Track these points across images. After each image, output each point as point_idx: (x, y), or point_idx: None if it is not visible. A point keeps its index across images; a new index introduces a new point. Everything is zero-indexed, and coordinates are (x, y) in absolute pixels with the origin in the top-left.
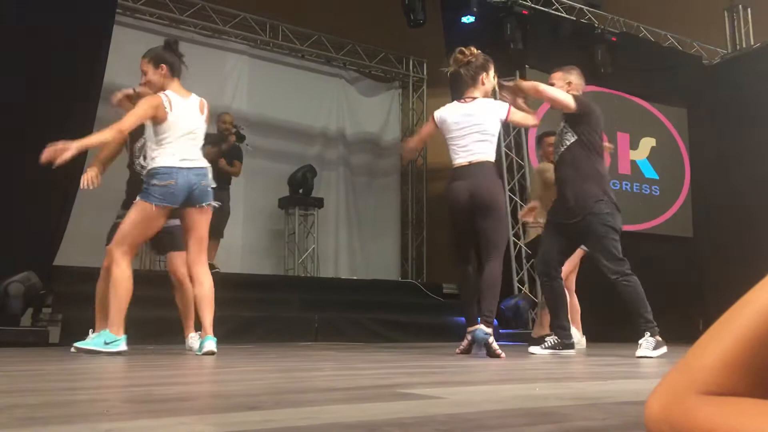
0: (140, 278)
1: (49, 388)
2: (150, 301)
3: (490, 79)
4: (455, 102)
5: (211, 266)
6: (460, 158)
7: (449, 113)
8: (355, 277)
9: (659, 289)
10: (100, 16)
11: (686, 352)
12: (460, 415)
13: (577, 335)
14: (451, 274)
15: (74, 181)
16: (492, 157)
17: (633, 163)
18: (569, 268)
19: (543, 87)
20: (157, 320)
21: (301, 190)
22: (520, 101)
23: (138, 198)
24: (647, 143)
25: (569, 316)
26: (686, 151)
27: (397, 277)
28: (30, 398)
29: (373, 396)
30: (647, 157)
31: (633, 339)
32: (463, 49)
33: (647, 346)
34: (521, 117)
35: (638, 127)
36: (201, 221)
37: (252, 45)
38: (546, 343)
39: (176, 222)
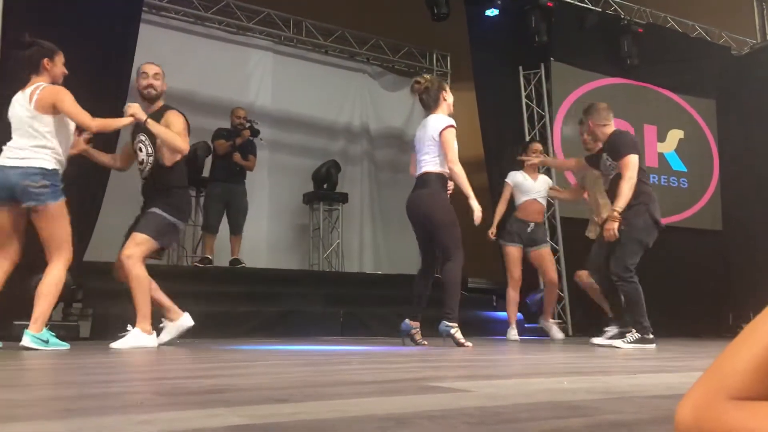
0: (167, 273)
1: (84, 380)
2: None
3: (449, 93)
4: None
5: (237, 261)
6: (418, 169)
7: (417, 132)
8: (379, 272)
9: (688, 283)
10: (126, 15)
11: (716, 356)
12: (490, 408)
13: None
14: (475, 268)
15: (103, 178)
16: (434, 168)
17: (660, 155)
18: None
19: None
20: None
21: (325, 186)
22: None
23: None
24: (675, 135)
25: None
26: (715, 143)
27: None
28: (66, 390)
29: (402, 389)
30: (675, 150)
31: (662, 334)
32: (418, 78)
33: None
34: (448, 144)
35: (665, 119)
36: (36, 222)
37: (276, 41)
38: (628, 338)
39: (153, 209)
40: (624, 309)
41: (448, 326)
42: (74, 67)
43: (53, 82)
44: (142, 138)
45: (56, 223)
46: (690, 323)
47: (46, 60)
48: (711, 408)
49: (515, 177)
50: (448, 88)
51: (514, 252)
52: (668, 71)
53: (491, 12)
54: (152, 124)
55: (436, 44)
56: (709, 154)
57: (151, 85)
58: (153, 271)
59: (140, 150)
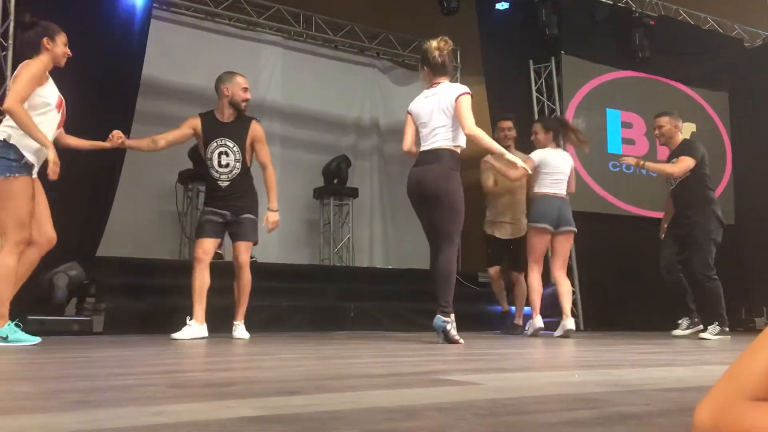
0: (179, 269)
1: (97, 374)
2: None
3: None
4: (424, 91)
5: (219, 255)
6: (423, 144)
7: (417, 104)
8: (390, 267)
9: None
10: (138, 11)
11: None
12: (499, 401)
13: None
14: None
15: (115, 174)
16: (448, 144)
17: None
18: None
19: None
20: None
21: (335, 181)
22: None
23: None
24: (687, 129)
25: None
26: (727, 136)
27: None
28: (80, 383)
29: (412, 382)
30: None
31: (673, 327)
32: (445, 38)
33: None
34: (464, 111)
35: (678, 112)
36: None
37: (286, 36)
38: (710, 330)
39: (248, 215)
40: (703, 303)
41: (444, 321)
42: (85, 62)
43: (55, 63)
44: (227, 143)
45: (3, 201)
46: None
47: (46, 39)
48: (729, 409)
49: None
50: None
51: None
52: (680, 64)
53: (501, 5)
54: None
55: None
56: (722, 147)
57: (247, 99)
58: (166, 266)
59: (225, 155)
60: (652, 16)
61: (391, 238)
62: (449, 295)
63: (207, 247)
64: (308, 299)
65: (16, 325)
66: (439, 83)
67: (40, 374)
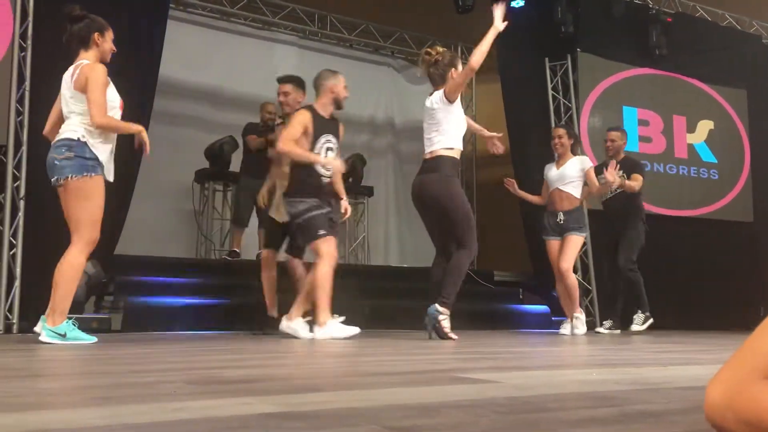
0: (194, 266)
1: (118, 370)
2: (206, 290)
3: (459, 73)
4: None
5: (235, 253)
6: (425, 151)
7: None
8: (405, 265)
9: (718, 275)
10: (154, 11)
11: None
12: (519, 398)
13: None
14: (502, 261)
15: (132, 172)
16: (443, 147)
17: (690, 146)
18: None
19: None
20: (213, 307)
21: (350, 179)
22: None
23: None
24: (705, 126)
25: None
26: (746, 133)
27: None
28: (102, 380)
29: (430, 380)
30: (705, 141)
31: (692, 327)
32: (429, 49)
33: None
34: (456, 78)
35: (695, 109)
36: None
37: (301, 36)
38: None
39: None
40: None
41: (438, 311)
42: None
43: (101, 59)
44: (331, 140)
45: (77, 201)
46: (720, 315)
47: (96, 34)
48: (744, 389)
49: (546, 170)
50: (459, 66)
51: (554, 245)
52: (698, 61)
53: (517, 3)
54: None
55: (461, 37)
56: (740, 144)
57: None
58: (183, 265)
59: (330, 150)
60: (669, 13)
61: (407, 237)
62: (454, 290)
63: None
64: None
65: (73, 323)
66: (434, 92)
67: (63, 371)
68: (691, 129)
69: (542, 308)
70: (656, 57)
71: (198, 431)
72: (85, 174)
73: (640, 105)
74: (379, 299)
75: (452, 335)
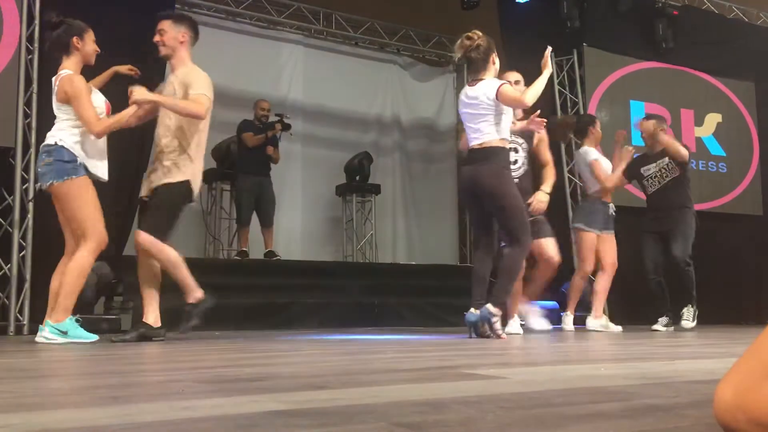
0: (202, 266)
1: (127, 370)
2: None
3: (497, 58)
4: (466, 86)
5: (272, 253)
6: (471, 141)
7: (461, 99)
8: (413, 263)
9: (728, 269)
10: (160, 12)
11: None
12: (525, 394)
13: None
14: None
15: (139, 173)
16: (496, 138)
17: (698, 140)
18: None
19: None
20: (222, 307)
21: (358, 177)
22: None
23: None
24: (713, 119)
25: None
26: (754, 126)
27: (455, 262)
28: (110, 379)
29: (438, 376)
30: (713, 134)
31: (702, 321)
32: (469, 34)
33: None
34: (512, 96)
35: (703, 102)
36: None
37: (306, 34)
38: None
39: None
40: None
41: (491, 313)
42: (107, 63)
43: (85, 62)
44: (517, 140)
45: (70, 204)
46: (729, 309)
47: (75, 38)
48: (754, 389)
49: (595, 153)
50: (495, 51)
51: (592, 238)
52: (705, 54)
53: None
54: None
55: (467, 33)
56: (749, 137)
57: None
58: (191, 265)
59: (515, 151)
60: (675, 6)
61: (414, 234)
62: (506, 292)
63: None
64: (332, 296)
65: (76, 321)
66: (476, 78)
67: (73, 371)
68: (699, 122)
69: (551, 304)
70: (663, 50)
71: (207, 429)
72: (66, 178)
73: (647, 99)
74: (387, 297)
75: (503, 335)
